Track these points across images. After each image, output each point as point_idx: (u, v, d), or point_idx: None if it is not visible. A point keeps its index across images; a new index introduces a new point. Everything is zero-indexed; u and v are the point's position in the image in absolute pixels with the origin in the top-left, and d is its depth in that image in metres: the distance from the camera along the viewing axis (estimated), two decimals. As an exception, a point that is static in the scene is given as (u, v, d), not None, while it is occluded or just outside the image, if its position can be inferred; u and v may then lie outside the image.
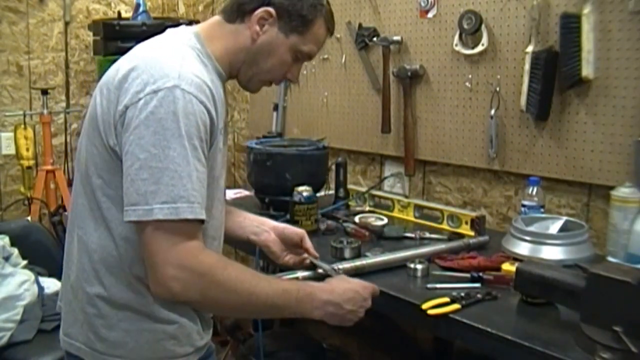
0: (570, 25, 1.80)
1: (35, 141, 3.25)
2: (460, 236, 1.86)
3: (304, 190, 1.95)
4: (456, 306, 1.37)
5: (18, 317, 2.12)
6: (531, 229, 1.71)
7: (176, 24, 1.34)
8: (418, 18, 2.27)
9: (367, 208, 2.28)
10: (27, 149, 3.20)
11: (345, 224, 2.01)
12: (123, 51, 1.25)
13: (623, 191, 1.66)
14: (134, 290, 1.18)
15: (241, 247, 2.02)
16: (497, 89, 2.03)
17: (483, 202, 2.18)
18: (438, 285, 1.49)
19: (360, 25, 2.48)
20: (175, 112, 1.08)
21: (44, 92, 3.24)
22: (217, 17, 1.31)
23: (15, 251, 2.36)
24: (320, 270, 1.48)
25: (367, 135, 2.52)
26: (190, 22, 2.84)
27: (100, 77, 1.22)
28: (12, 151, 3.25)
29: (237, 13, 1.27)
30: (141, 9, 3.25)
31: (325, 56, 2.62)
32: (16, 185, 3.35)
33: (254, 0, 1.26)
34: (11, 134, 3.22)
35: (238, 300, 1.16)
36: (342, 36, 2.53)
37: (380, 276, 1.56)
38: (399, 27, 2.34)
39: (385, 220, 2.01)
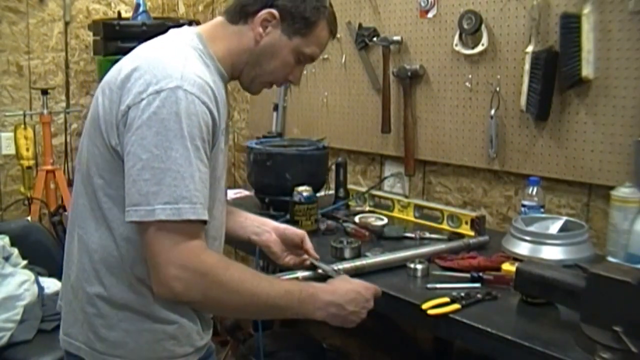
0: (570, 25, 1.80)
1: (35, 141, 3.25)
2: (460, 236, 1.86)
3: (304, 190, 1.95)
4: (456, 306, 1.37)
5: (18, 317, 2.12)
6: (531, 229, 1.71)
7: (176, 24, 1.34)
8: (418, 18, 2.27)
9: (367, 208, 2.28)
10: (27, 149, 3.20)
11: (345, 224, 2.01)
12: (123, 51, 1.25)
13: (623, 191, 1.66)
14: (134, 290, 1.18)
15: (241, 247, 2.02)
16: (497, 89, 2.04)
17: (483, 202, 2.18)
18: (438, 285, 1.49)
19: (360, 25, 2.49)
20: (178, 113, 1.08)
21: (44, 92, 3.24)
22: (220, 18, 1.31)
23: (15, 251, 2.36)
24: (320, 271, 1.48)
25: (367, 135, 2.52)
26: (190, 22, 2.85)
27: (100, 77, 1.22)
28: (12, 151, 3.26)
29: (240, 14, 1.27)
30: (141, 9, 3.25)
31: (325, 56, 2.62)
32: (16, 185, 3.35)
33: (257, 2, 1.26)
34: (11, 134, 3.22)
35: (240, 301, 1.16)
36: (342, 36, 2.53)
37: (380, 276, 1.56)
38: (399, 27, 2.34)
39: (385, 220, 2.01)
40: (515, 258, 1.61)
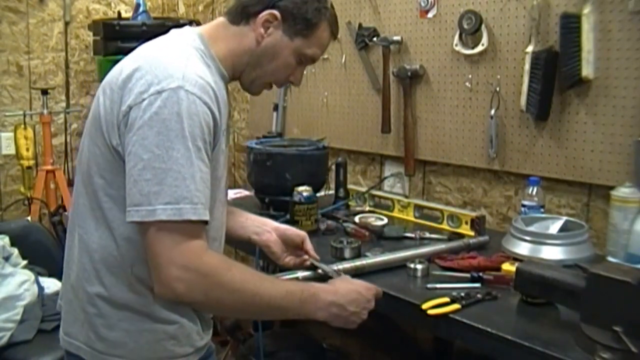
0: (570, 25, 1.80)
1: (35, 141, 3.25)
2: (460, 236, 1.86)
3: (304, 190, 1.95)
4: (456, 306, 1.37)
5: (18, 317, 2.12)
6: (531, 229, 1.71)
7: (176, 24, 1.34)
8: (418, 18, 2.27)
9: (367, 208, 2.28)
10: (27, 149, 3.20)
11: (345, 224, 2.01)
12: (123, 51, 1.25)
13: (623, 191, 1.66)
14: (135, 290, 1.18)
15: (241, 247, 2.02)
16: (497, 89, 2.04)
17: (483, 202, 2.18)
18: (438, 285, 1.49)
19: (360, 25, 2.49)
20: (179, 113, 1.08)
21: (44, 92, 3.24)
22: (221, 19, 1.31)
23: (15, 251, 2.36)
24: (320, 271, 1.48)
25: (367, 135, 2.52)
26: (190, 22, 2.85)
27: (100, 77, 1.22)
28: (12, 151, 3.25)
29: (241, 15, 1.27)
30: (141, 9, 3.25)
31: (325, 56, 2.62)
32: (16, 185, 3.35)
33: (259, 3, 1.26)
34: (11, 134, 3.22)
35: (242, 301, 1.16)
36: (342, 36, 2.53)
37: (380, 276, 1.56)
38: (399, 27, 2.34)
39: (385, 220, 2.01)
40: (515, 258, 1.61)
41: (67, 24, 3.45)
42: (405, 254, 1.66)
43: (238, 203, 2.18)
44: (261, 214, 1.69)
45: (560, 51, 1.84)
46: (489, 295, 1.43)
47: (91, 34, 3.35)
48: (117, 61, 1.24)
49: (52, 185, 3.24)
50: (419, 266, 1.58)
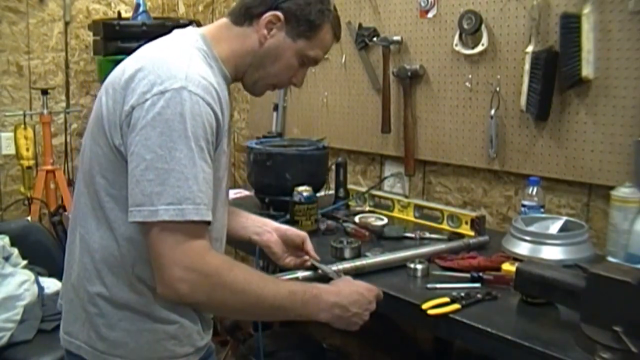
0: (570, 25, 1.80)
1: (35, 141, 3.24)
2: (460, 236, 1.86)
3: (304, 190, 1.95)
4: (456, 306, 1.37)
5: (18, 317, 2.12)
6: (531, 229, 1.71)
7: (176, 24, 1.34)
8: (418, 18, 2.27)
9: (367, 208, 2.28)
10: (27, 149, 3.20)
11: (345, 224, 2.01)
12: (123, 51, 1.25)
13: (623, 191, 1.67)
14: (135, 290, 1.18)
15: (242, 247, 2.02)
16: (497, 89, 2.04)
17: (483, 202, 2.18)
18: (438, 285, 1.49)
19: (360, 25, 2.49)
20: (182, 114, 1.08)
21: (44, 92, 3.24)
22: (224, 20, 1.31)
23: (15, 251, 2.36)
24: (320, 272, 1.48)
25: (367, 135, 2.52)
26: (190, 22, 2.85)
27: (100, 77, 1.22)
28: (12, 151, 3.25)
29: (245, 16, 1.27)
30: (141, 9, 3.25)
31: (326, 56, 2.61)
32: (16, 185, 3.35)
33: (262, 4, 1.26)
34: (11, 134, 3.22)
35: (244, 302, 1.16)
36: (342, 36, 2.50)
37: (380, 276, 1.56)
38: (399, 27, 2.35)
39: (385, 220, 2.01)
40: (515, 258, 1.61)
41: (67, 24, 3.45)
42: (405, 254, 1.66)
43: (238, 203, 2.18)
44: (261, 214, 1.69)
45: (560, 51, 1.84)
46: (489, 295, 1.43)
47: (91, 34, 3.35)
48: (117, 61, 1.24)
49: (52, 185, 3.24)
50: (419, 266, 1.58)
